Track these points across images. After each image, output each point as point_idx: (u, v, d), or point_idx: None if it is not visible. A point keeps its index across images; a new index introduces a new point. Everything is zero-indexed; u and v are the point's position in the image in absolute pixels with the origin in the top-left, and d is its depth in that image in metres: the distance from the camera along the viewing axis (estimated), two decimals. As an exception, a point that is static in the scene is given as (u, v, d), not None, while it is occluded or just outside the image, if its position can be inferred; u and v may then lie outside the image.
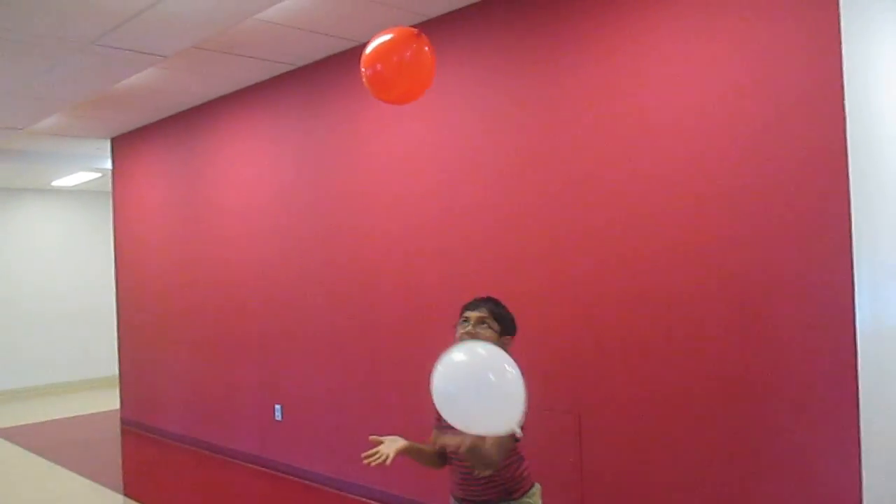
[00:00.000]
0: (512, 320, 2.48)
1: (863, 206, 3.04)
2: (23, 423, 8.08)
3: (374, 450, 2.35)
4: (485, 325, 2.40)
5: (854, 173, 2.97)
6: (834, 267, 2.97)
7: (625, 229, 3.58)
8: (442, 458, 2.50)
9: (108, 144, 7.97)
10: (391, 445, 2.36)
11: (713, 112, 3.29)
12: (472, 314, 2.42)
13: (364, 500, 4.97)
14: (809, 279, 3.05)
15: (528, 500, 2.48)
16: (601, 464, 3.66)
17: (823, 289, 3.01)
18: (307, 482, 5.44)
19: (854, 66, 3.03)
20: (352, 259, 5.08)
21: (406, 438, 2.44)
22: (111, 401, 8.43)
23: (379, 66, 2.70)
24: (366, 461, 2.33)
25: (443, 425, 2.31)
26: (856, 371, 2.93)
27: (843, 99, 2.95)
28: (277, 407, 5.74)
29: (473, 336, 2.37)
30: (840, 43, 2.95)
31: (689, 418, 3.39)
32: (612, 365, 3.64)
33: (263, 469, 5.86)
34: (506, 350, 2.26)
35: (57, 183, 10.01)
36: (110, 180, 8.16)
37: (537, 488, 2.55)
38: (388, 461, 2.31)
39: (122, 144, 7.75)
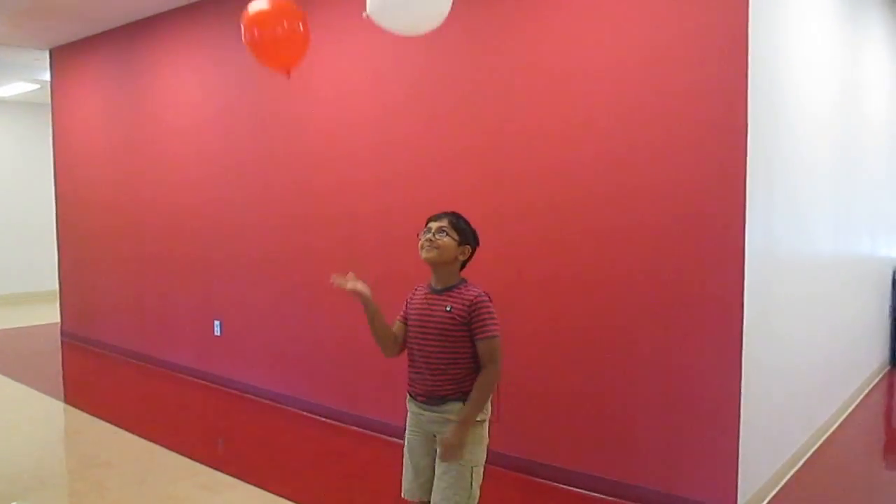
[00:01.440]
0: (472, 233, 2.62)
1: (759, 146, 3.31)
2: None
3: (345, 278, 2.58)
4: (444, 234, 2.54)
5: (752, 114, 3.23)
6: (728, 201, 3.26)
7: (542, 169, 3.82)
8: (396, 343, 2.66)
9: (46, 55, 7.81)
10: (358, 285, 2.57)
11: (628, 69, 3.51)
12: (434, 224, 2.58)
13: (298, 411, 5.25)
14: (705, 211, 3.33)
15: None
16: (513, 383, 3.97)
17: (717, 220, 3.30)
18: (245, 394, 5.69)
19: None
20: (292, 181, 5.21)
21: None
22: (52, 314, 8.50)
23: (256, 32, 2.96)
24: (332, 279, 2.56)
25: (408, 318, 2.62)
26: (742, 299, 3.25)
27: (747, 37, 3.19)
28: (217, 322, 5.92)
29: (432, 242, 2.54)
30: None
31: (590, 343, 3.71)
32: (529, 295, 3.92)
33: (202, 382, 6.08)
34: (464, 259, 2.58)
35: (-7, 93, 9.78)
36: (49, 92, 8.03)
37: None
38: (346, 288, 2.55)
39: (62, 56, 7.61)
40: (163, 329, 6.57)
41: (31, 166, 10.47)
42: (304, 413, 5.21)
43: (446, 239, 2.54)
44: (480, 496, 2.57)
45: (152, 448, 4.55)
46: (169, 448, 4.51)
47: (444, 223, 2.57)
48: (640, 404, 3.58)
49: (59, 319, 8.09)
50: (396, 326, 2.68)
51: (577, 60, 3.70)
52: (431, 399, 2.57)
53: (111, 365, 6.86)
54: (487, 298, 2.53)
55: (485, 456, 2.59)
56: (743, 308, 3.25)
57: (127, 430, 4.88)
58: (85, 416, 5.23)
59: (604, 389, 3.70)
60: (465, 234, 2.60)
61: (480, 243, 2.65)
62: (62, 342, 7.83)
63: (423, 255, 2.56)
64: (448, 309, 2.52)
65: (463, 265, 2.61)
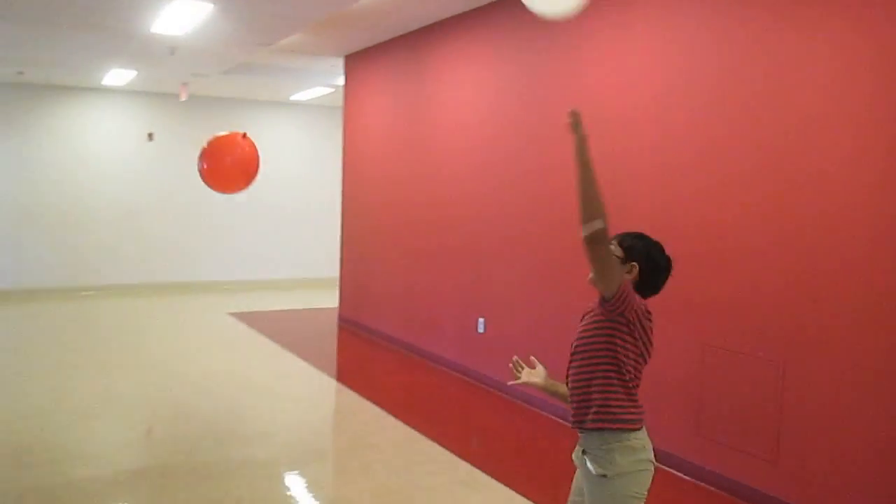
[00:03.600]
0: (641, 251, 2.25)
1: None
2: (255, 309, 9.14)
3: (520, 369, 2.56)
4: (613, 244, 2.23)
5: None
6: None
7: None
8: None
9: (341, 62, 8.50)
10: (530, 376, 2.54)
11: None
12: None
13: (558, 419, 5.15)
14: None
15: (616, 443, 2.14)
16: (802, 419, 3.53)
17: None
18: (504, 394, 5.71)
19: None
20: (563, 183, 5.13)
21: (548, 377, 2.55)
22: (327, 299, 9.26)
23: (205, 165, 3.70)
24: (512, 367, 2.57)
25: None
26: None
27: None
28: (480, 320, 6.02)
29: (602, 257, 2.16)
30: None
31: (910, 376, 3.17)
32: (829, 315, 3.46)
33: (463, 377, 6.22)
34: (623, 275, 2.17)
35: (295, 97, 10.87)
36: (342, 96, 8.75)
37: (640, 440, 2.17)
38: (518, 383, 2.56)
39: (354, 62, 8.24)
40: (428, 322, 6.83)
41: (322, 165, 11.51)
42: (564, 421, 5.10)
43: (614, 253, 2.24)
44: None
45: (415, 436, 4.70)
46: (431, 438, 4.64)
47: (616, 239, 2.30)
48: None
49: (337, 305, 8.77)
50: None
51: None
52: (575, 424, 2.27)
53: (379, 351, 7.28)
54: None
55: None
56: None
57: (392, 414, 5.10)
58: (355, 395, 5.57)
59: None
60: (631, 252, 2.26)
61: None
62: (339, 326, 8.47)
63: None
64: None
65: (635, 284, 2.23)
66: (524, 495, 3.80)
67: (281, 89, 10.38)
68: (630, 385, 2.18)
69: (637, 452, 2.15)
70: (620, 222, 2.41)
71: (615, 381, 2.17)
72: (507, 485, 3.94)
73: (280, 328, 8.18)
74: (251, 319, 8.51)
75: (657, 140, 4.37)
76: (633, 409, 2.18)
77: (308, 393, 5.82)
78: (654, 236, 2.33)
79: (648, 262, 2.25)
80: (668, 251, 2.31)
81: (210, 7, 5.61)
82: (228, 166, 3.78)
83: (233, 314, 8.87)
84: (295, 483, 3.92)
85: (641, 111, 4.48)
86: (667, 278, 2.28)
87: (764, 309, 3.73)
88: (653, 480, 2.19)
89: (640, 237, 2.30)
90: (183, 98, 9.63)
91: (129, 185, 10.73)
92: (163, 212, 10.98)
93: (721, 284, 3.93)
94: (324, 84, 9.65)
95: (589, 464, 2.17)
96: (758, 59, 3.77)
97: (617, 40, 4.66)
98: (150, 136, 10.85)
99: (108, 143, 10.66)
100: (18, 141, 10.06)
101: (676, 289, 2.52)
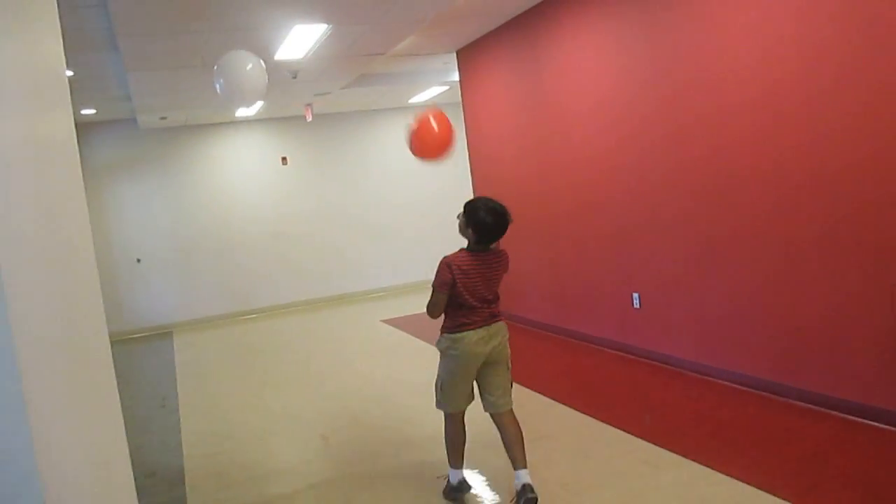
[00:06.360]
0: (471, 215, 3.44)
1: None
2: (406, 314, 9.31)
3: None
4: (459, 217, 3.52)
5: None
6: None
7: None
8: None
9: (454, 57, 8.51)
10: None
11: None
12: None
13: (727, 383, 4.94)
14: None
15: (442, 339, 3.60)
16: None
17: None
18: (668, 366, 5.54)
19: None
20: (702, 144, 4.90)
21: None
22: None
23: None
24: None
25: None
26: None
27: None
28: (635, 295, 5.86)
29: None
30: None
31: None
32: None
33: (623, 354, 6.08)
34: (470, 239, 3.49)
35: (413, 100, 11.00)
36: (458, 91, 8.75)
37: (455, 335, 3.51)
38: None
39: (467, 55, 8.22)
40: (581, 304, 6.72)
41: (446, 163, 11.54)
42: (735, 385, 4.89)
43: (459, 221, 3.51)
44: None
45: (588, 421, 4.63)
46: (604, 421, 4.55)
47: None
48: None
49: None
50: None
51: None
52: None
53: (534, 339, 7.24)
54: (443, 260, 3.46)
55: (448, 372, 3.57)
56: None
57: (561, 402, 5.05)
58: (518, 387, 5.49)
59: None
60: (468, 215, 3.44)
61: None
62: (489, 319, 8.49)
63: None
64: None
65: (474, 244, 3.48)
66: (717, 469, 3.65)
67: (399, 95, 10.53)
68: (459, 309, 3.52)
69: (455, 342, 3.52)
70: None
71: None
72: (696, 461, 3.80)
73: (433, 329, 8.27)
74: (404, 324, 8.69)
75: (803, 96, 4.08)
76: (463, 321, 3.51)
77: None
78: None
79: (477, 223, 3.40)
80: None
81: (325, 27, 5.76)
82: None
83: (385, 321, 9.10)
84: (476, 482, 3.94)
85: (786, 66, 4.20)
86: (498, 227, 3.42)
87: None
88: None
89: (472, 204, 3.46)
90: (309, 119, 9.96)
91: (270, 209, 11.24)
92: (304, 230, 11.44)
93: (903, 224, 3.62)
94: (438, 82, 9.70)
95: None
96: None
97: (745, -18, 4.38)
98: (284, 160, 11.31)
99: (247, 173, 11.21)
100: (167, 181, 10.76)
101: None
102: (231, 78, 4.81)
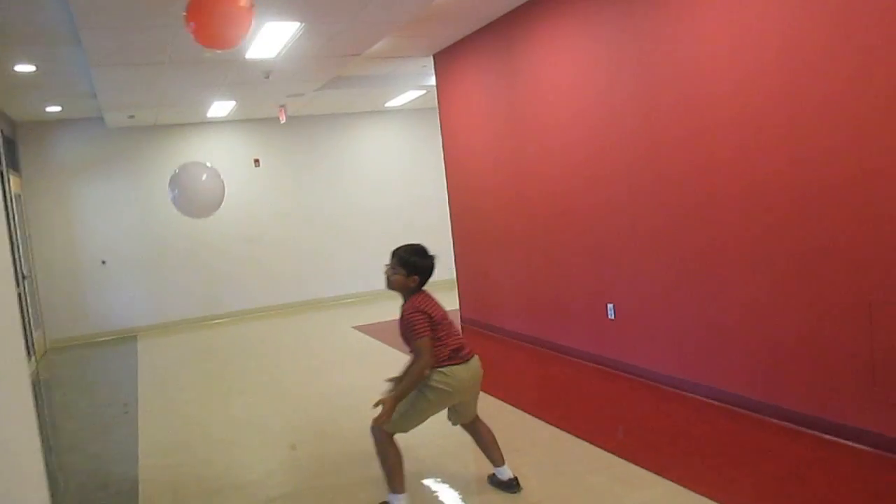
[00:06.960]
0: (412, 264, 3.50)
1: None
2: (378, 320, 9.13)
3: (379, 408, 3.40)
4: (394, 272, 3.52)
5: None
6: None
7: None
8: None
9: (430, 61, 8.38)
10: (386, 404, 3.39)
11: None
12: (386, 265, 3.55)
13: (703, 398, 4.84)
14: None
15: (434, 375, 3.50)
16: None
17: None
18: (642, 379, 5.43)
19: None
20: (683, 157, 4.81)
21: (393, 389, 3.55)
22: (447, 302, 9.09)
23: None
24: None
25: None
26: None
27: None
28: (609, 306, 5.75)
29: (388, 276, 3.56)
30: None
31: None
32: None
33: (597, 366, 5.97)
34: (414, 286, 3.55)
35: (389, 104, 10.86)
36: (435, 96, 8.62)
37: (447, 369, 3.49)
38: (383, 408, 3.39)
39: (444, 59, 8.10)
40: (555, 314, 6.60)
41: (425, 169, 11.46)
42: (711, 401, 4.78)
43: (397, 276, 3.52)
44: None
45: (560, 435, 4.50)
46: (576, 436, 4.43)
47: (390, 263, 3.54)
48: None
49: (457, 307, 8.65)
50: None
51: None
52: None
53: (507, 348, 7.11)
54: (413, 310, 3.45)
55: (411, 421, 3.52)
56: None
57: (532, 414, 4.92)
58: (490, 399, 5.40)
59: None
60: (409, 266, 3.50)
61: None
62: (462, 327, 8.35)
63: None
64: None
65: (415, 289, 3.54)
66: (692, 489, 3.53)
67: (375, 98, 10.39)
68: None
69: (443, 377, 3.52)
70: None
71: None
72: (668, 478, 3.68)
73: (396, 335, 8.12)
74: (376, 331, 8.52)
75: (785, 115, 4.00)
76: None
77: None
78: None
79: (422, 268, 3.53)
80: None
81: (297, 25, 5.60)
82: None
83: (357, 327, 8.92)
84: (446, 495, 3.80)
85: (762, 66, 4.11)
86: (431, 267, 3.56)
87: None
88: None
89: (404, 257, 3.52)
90: (282, 120, 9.78)
91: (242, 211, 11.01)
92: (276, 233, 11.24)
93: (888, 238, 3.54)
94: (416, 86, 9.57)
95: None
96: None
97: (727, -11, 4.30)
98: (257, 162, 11.11)
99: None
100: (136, 182, 10.51)
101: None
102: (186, 190, 4.77)
